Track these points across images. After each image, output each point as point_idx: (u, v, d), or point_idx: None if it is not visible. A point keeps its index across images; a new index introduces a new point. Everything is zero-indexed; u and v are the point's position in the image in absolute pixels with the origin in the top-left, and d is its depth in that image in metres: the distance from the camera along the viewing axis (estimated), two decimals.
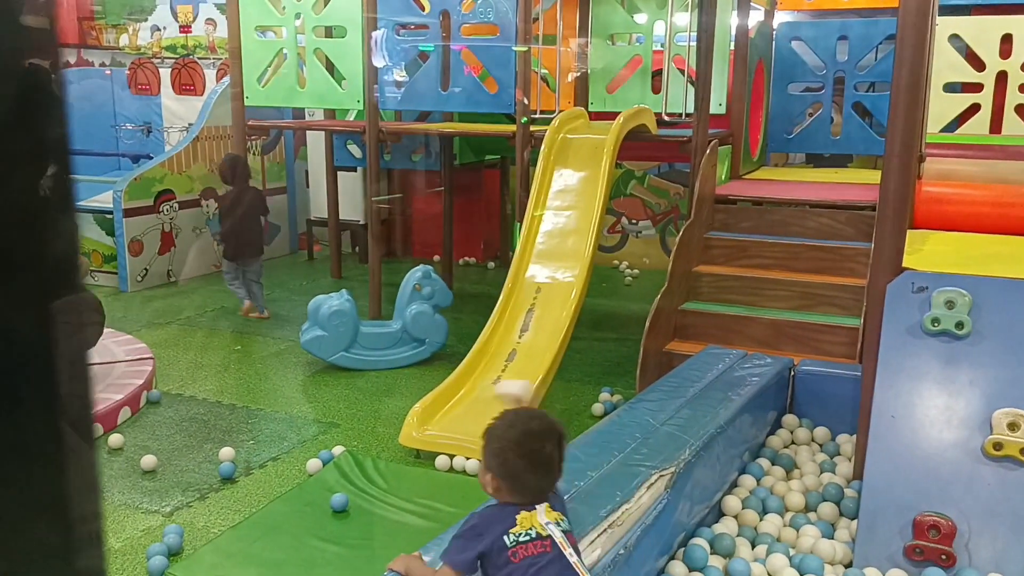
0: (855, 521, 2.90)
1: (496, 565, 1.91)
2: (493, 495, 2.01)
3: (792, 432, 3.78)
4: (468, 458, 3.74)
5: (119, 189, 6.69)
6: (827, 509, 3.10)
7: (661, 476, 2.63)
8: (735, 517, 3.06)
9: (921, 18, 2.99)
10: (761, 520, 3.04)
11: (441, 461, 3.77)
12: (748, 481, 3.28)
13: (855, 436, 3.45)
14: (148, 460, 3.71)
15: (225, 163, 6.03)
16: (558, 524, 1.96)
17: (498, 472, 1.97)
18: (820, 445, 3.72)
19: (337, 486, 3.50)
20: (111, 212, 6.71)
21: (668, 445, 2.88)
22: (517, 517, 1.94)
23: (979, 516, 2.62)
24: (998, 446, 2.67)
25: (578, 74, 6.11)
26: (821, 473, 3.42)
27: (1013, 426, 2.68)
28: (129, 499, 3.45)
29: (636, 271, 7.71)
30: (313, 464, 3.71)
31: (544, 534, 1.92)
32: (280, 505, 3.40)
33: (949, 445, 2.76)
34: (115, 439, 3.92)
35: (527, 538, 1.91)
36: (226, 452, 3.79)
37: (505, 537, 1.91)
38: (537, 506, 1.97)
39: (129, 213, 6.72)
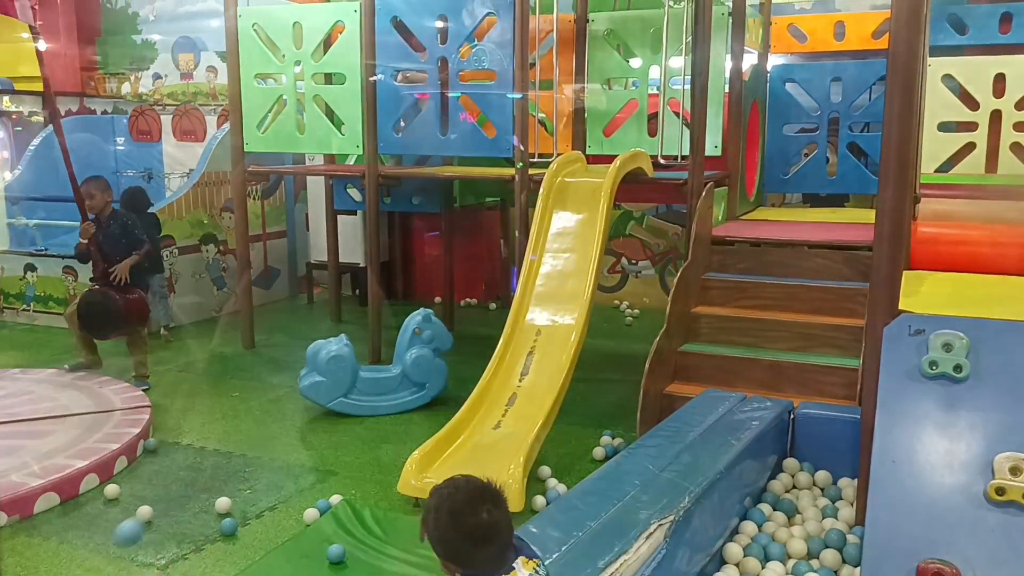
0: (858, 568, 2.85)
1: None
2: None
3: (793, 476, 3.75)
4: None
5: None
6: (830, 556, 3.07)
7: (660, 525, 2.60)
8: (737, 565, 3.02)
9: (911, 59, 3.02)
10: (763, 568, 3.00)
11: None
12: (749, 527, 3.25)
13: (856, 480, 3.41)
14: (144, 511, 3.67)
15: (126, 194, 6.51)
16: (538, 571, 1.92)
17: (454, 559, 1.87)
18: (822, 489, 3.68)
19: (335, 537, 3.46)
20: None
21: (667, 492, 2.85)
22: None
23: (983, 563, 2.58)
24: (1001, 491, 2.64)
25: (575, 115, 6.16)
26: (823, 518, 3.38)
27: (1016, 470, 2.65)
28: (125, 551, 3.41)
29: (637, 311, 7.70)
30: (311, 514, 3.68)
31: None
32: (277, 557, 3.35)
33: (951, 490, 2.73)
34: (111, 489, 3.89)
35: None
36: (223, 503, 3.75)
37: None
38: (514, 564, 1.88)
39: None
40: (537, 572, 1.91)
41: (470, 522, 1.83)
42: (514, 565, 1.89)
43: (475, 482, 1.92)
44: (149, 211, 6.62)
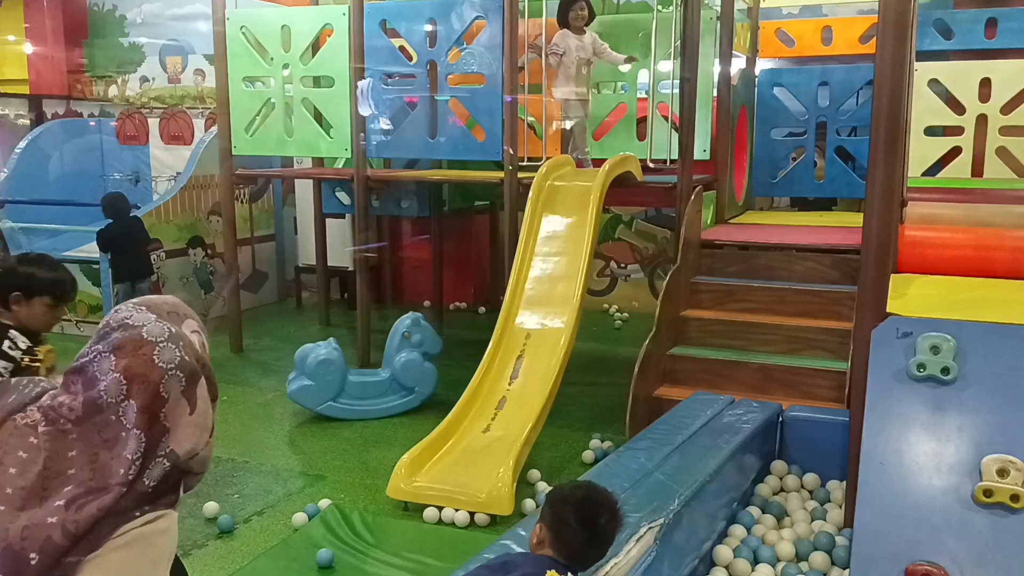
0: (847, 571, 2.86)
1: None
2: (534, 548, 2.07)
3: (782, 479, 3.76)
4: (457, 510, 3.70)
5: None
6: (819, 558, 3.07)
7: (650, 528, 2.60)
8: (726, 567, 3.02)
9: (897, 64, 3.04)
10: (753, 571, 3.01)
11: (430, 513, 3.72)
12: (739, 530, 3.25)
13: (845, 482, 3.42)
14: None
15: (107, 199, 6.40)
16: None
17: (548, 521, 2.05)
18: (810, 492, 3.69)
19: (323, 541, 3.44)
20: (98, 262, 6.69)
21: (657, 495, 2.86)
22: (548, 572, 1.95)
23: (971, 564, 2.60)
24: (988, 493, 2.65)
25: (564, 123, 6.17)
26: (812, 521, 3.39)
27: (1003, 472, 2.66)
28: None
29: (626, 314, 7.71)
30: (299, 518, 3.66)
31: None
32: (265, 561, 3.34)
33: (939, 492, 2.74)
34: None
35: None
36: (210, 507, 3.73)
37: None
38: (569, 573, 2.00)
39: None
40: None
41: (590, 508, 2.07)
42: (568, 574, 2.01)
43: (613, 500, 2.20)
44: (132, 216, 6.59)
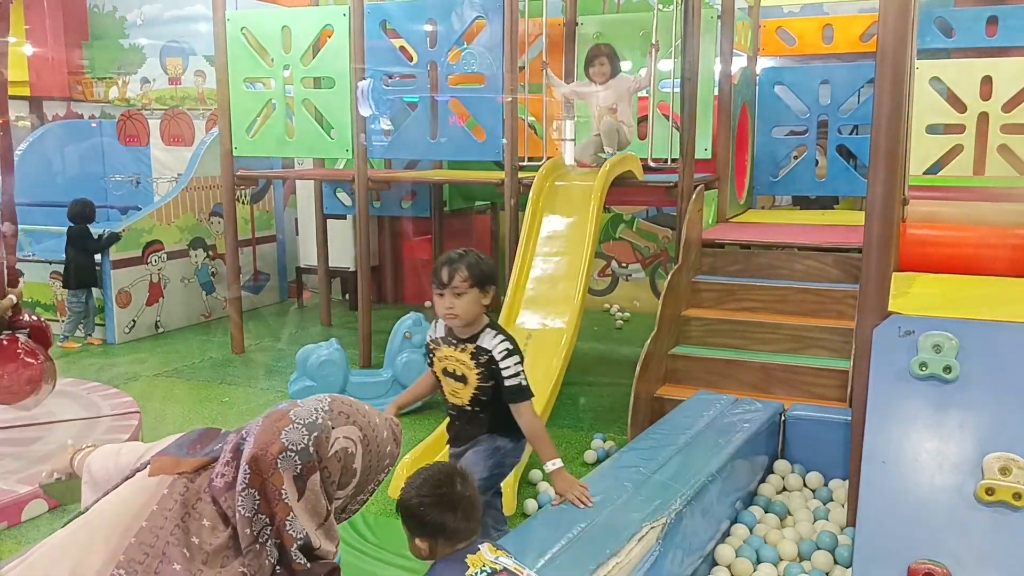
0: (850, 570, 2.86)
1: None
2: (429, 559, 2.01)
3: (784, 478, 3.75)
4: None
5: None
6: (821, 558, 3.07)
7: (652, 528, 2.59)
8: (728, 567, 3.02)
9: (899, 62, 3.03)
10: (755, 570, 3.00)
11: None
12: (741, 530, 3.25)
13: (847, 481, 3.42)
14: None
15: (72, 205, 6.62)
16: (503, 558, 1.96)
17: (427, 531, 1.98)
18: (813, 491, 3.69)
19: None
20: (99, 264, 6.69)
21: (659, 495, 2.85)
22: (466, 560, 1.94)
23: (973, 563, 2.59)
24: (990, 491, 2.65)
25: (564, 122, 6.17)
26: (815, 520, 3.39)
27: (1005, 470, 2.66)
28: None
29: (627, 314, 7.71)
30: None
31: (498, 568, 1.92)
32: None
33: (941, 491, 2.74)
34: None
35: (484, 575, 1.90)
36: None
37: None
38: (479, 546, 1.98)
39: (117, 264, 6.71)
40: (498, 562, 1.95)
41: (445, 492, 1.99)
42: (479, 546, 1.97)
43: (450, 465, 2.15)
44: (87, 226, 6.66)
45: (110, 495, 1.59)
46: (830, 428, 3.76)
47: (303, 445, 1.51)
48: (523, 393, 2.80)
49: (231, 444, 1.55)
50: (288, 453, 1.49)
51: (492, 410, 2.85)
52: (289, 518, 1.49)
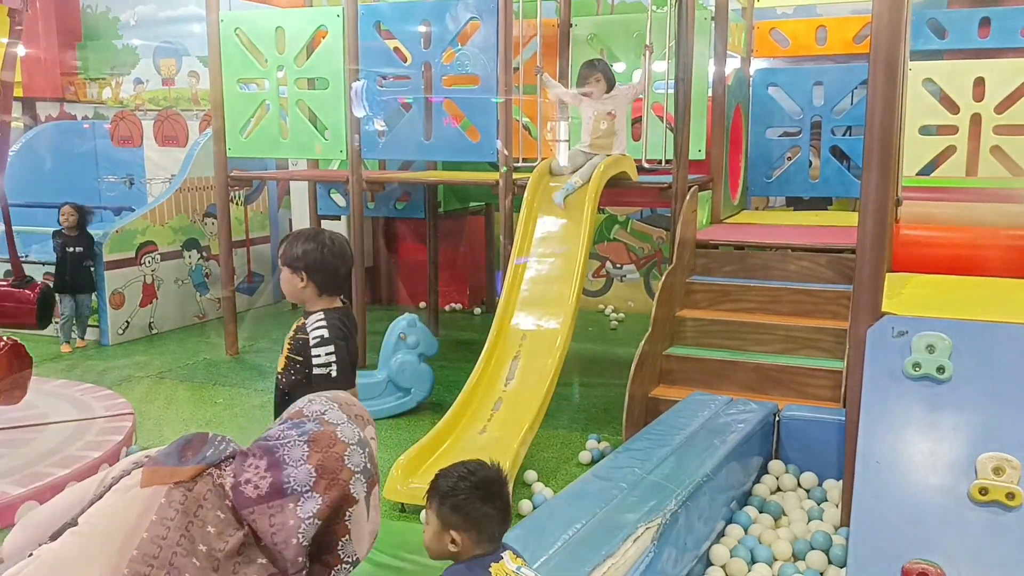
0: (844, 570, 2.87)
1: None
2: (453, 556, 1.95)
3: (778, 478, 3.76)
4: None
5: (100, 242, 6.67)
6: (816, 558, 3.07)
7: (647, 528, 2.60)
8: (723, 567, 3.02)
9: (892, 63, 3.04)
10: (750, 570, 3.01)
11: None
12: (735, 530, 3.25)
13: (842, 481, 3.43)
14: None
15: (71, 209, 6.54)
16: (524, 568, 1.94)
17: (462, 525, 1.93)
18: (807, 491, 3.70)
19: None
20: (92, 266, 6.67)
21: (654, 495, 2.86)
22: (491, 569, 1.91)
23: (967, 563, 2.60)
24: (984, 491, 2.66)
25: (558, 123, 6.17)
26: (809, 520, 3.39)
27: (998, 470, 2.67)
28: None
29: (622, 315, 7.71)
30: None
31: None
32: None
33: (935, 491, 2.75)
34: None
35: None
36: None
37: None
38: (502, 555, 1.95)
39: (110, 265, 6.70)
40: (520, 572, 1.92)
41: (495, 491, 1.96)
42: (503, 556, 1.94)
43: (498, 467, 2.08)
44: (83, 230, 6.61)
45: (98, 506, 1.54)
46: (824, 428, 3.77)
47: (364, 464, 1.51)
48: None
49: (258, 456, 1.51)
50: (356, 476, 1.49)
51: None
52: (344, 539, 1.48)
